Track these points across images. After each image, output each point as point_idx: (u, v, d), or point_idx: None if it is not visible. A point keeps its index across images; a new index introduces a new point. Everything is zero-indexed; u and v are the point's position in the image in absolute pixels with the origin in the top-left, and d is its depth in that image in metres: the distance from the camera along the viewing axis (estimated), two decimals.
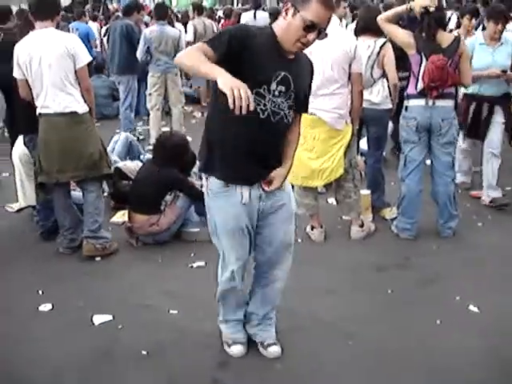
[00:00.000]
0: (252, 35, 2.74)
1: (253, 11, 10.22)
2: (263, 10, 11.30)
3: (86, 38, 9.97)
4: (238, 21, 10.77)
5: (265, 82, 2.76)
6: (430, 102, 4.58)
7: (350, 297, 3.97)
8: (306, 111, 3.13)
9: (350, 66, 4.46)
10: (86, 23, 11.31)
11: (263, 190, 2.94)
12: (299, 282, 3.83)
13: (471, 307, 3.79)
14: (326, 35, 2.77)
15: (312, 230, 4.91)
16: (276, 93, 2.80)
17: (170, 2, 19.36)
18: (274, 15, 8.56)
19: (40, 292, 4.11)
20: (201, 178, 5.05)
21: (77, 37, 4.42)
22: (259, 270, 3.27)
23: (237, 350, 3.34)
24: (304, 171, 4.63)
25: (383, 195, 5.39)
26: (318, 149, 4.60)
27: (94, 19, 13.53)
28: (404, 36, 4.65)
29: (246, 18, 10.25)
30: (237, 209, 2.94)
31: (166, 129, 8.49)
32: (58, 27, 4.55)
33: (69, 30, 9.19)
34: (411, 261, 4.50)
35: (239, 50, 2.65)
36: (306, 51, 2.94)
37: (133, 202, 4.88)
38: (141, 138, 8.29)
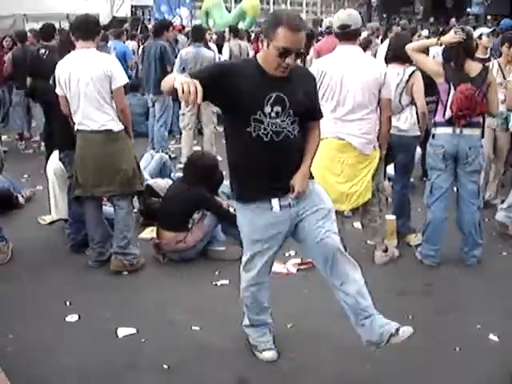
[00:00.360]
0: (236, 68, 3.06)
1: None
2: None
3: (123, 58, 10.20)
4: None
5: (258, 108, 2.97)
6: (458, 131, 4.63)
7: None
8: (319, 117, 3.33)
9: (379, 91, 4.53)
10: (124, 42, 11.59)
11: (291, 198, 3.13)
12: (320, 304, 3.91)
13: (491, 336, 3.80)
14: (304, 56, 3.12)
15: None
16: (273, 114, 2.99)
17: (207, 23, 19.61)
18: None
19: (68, 303, 4.24)
20: (228, 198, 5.22)
21: (115, 58, 4.59)
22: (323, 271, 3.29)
23: (268, 355, 3.51)
24: (332, 194, 4.59)
25: (409, 221, 5.43)
26: (346, 173, 4.64)
27: (132, 38, 13.84)
28: (432, 65, 4.75)
29: None
30: (266, 220, 3.15)
31: (198, 148, 8.66)
32: (97, 46, 4.73)
33: (107, 50, 9.43)
34: (433, 287, 4.52)
35: (222, 81, 2.92)
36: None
37: (161, 219, 5.01)
38: (172, 156, 8.45)
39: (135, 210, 5.46)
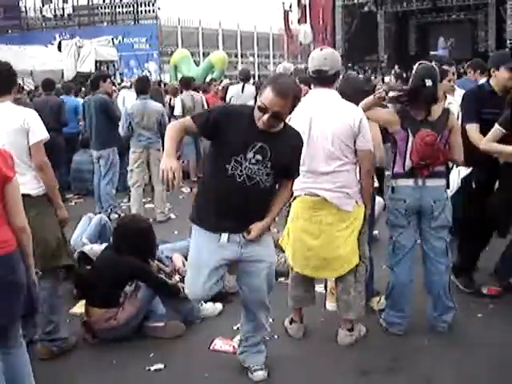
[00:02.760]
0: (233, 115, 3.37)
1: (241, 84, 9.98)
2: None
3: (74, 112, 9.69)
4: (225, 94, 10.51)
5: (241, 152, 3.27)
6: (420, 182, 4.13)
7: None
8: (295, 176, 3.56)
9: (354, 141, 3.92)
10: (76, 97, 11.09)
11: (243, 237, 3.39)
12: None
13: None
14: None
15: (291, 324, 4.37)
16: (253, 161, 3.27)
17: (176, 77, 19.40)
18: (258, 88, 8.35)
19: None
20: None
21: (33, 111, 4.03)
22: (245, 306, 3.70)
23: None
24: (314, 261, 4.05)
25: (372, 282, 4.85)
26: (325, 235, 3.98)
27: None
28: (384, 114, 4.29)
29: (233, 91, 10.02)
30: (213, 246, 3.40)
31: (150, 205, 8.13)
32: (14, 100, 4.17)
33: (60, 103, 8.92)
34: (400, 361, 3.95)
35: (217, 127, 3.29)
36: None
37: (89, 294, 4.39)
38: (122, 215, 7.86)
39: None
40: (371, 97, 4.23)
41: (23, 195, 3.85)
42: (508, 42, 26.26)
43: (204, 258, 3.43)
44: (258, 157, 3.27)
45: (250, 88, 9.77)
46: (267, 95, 3.17)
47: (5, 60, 4.15)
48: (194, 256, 3.53)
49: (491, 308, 4.77)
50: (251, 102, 8.66)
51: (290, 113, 3.35)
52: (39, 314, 3.98)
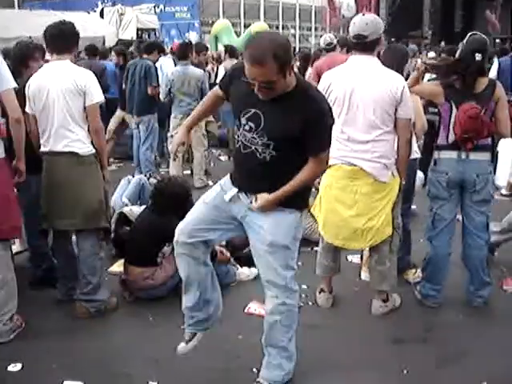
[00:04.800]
0: (241, 73, 2.89)
1: None
2: None
3: (113, 77, 9.75)
4: None
5: (236, 115, 3.03)
6: (464, 155, 4.07)
7: (359, 374, 3.45)
8: (314, 153, 2.97)
9: (396, 110, 3.83)
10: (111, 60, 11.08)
11: (250, 202, 3.06)
12: (302, 353, 3.38)
13: None
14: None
15: (319, 293, 4.38)
16: (246, 127, 2.97)
17: (216, 48, 19.38)
18: None
19: (11, 349, 3.71)
20: None
21: (91, 73, 4.05)
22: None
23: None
24: (345, 231, 4.02)
25: (408, 255, 4.83)
26: (360, 205, 3.93)
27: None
28: (429, 87, 4.26)
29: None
30: (220, 195, 3.15)
31: (188, 172, 8.18)
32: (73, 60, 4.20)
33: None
34: (433, 333, 3.95)
35: (230, 83, 3.10)
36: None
37: (128, 253, 4.47)
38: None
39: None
40: (414, 72, 4.19)
41: (72, 153, 3.96)
42: None
43: (209, 200, 3.20)
44: (251, 124, 2.93)
45: None
46: (245, 66, 2.77)
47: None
48: (203, 196, 3.27)
49: None
50: None
51: (284, 73, 2.76)
52: (80, 274, 4.11)
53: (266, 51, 2.67)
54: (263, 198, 3.01)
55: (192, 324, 3.35)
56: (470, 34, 4.16)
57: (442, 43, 25.75)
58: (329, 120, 2.95)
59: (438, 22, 31.97)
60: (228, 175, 3.23)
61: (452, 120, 4.05)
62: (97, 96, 4.01)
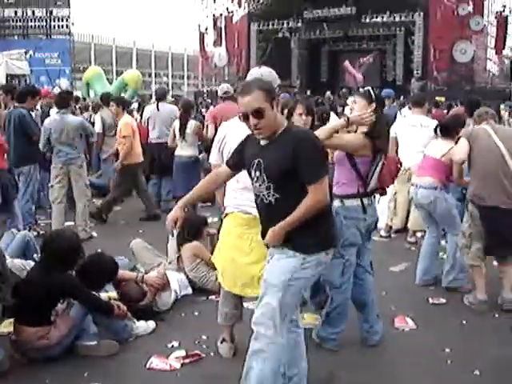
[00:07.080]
0: (246, 140, 3.41)
1: (156, 103, 9.58)
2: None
3: None
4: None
5: (249, 171, 3.31)
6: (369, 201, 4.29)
7: None
8: (309, 181, 3.12)
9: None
10: None
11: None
12: None
13: None
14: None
15: (221, 343, 4.33)
16: (255, 178, 3.25)
17: (88, 94, 19.09)
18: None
19: None
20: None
21: None
22: None
23: None
24: (243, 278, 4.01)
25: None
26: (255, 252, 3.90)
27: None
28: (355, 139, 4.18)
29: (148, 110, 9.67)
30: None
31: (71, 223, 7.90)
32: None
33: None
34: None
35: (240, 156, 3.42)
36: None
37: (19, 312, 4.22)
38: (41, 233, 7.58)
39: None
40: (334, 123, 4.37)
41: None
42: (415, 72, 27.53)
43: None
44: (257, 173, 3.22)
45: (166, 106, 9.46)
46: (238, 102, 3.19)
47: None
48: None
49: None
50: (171, 121, 8.67)
51: (271, 102, 3.11)
52: None
53: (252, 84, 3.21)
54: (270, 231, 3.23)
55: None
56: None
57: (308, 92, 27.09)
58: (316, 143, 3.17)
59: (306, 72, 33.52)
60: None
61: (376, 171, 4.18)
62: None
